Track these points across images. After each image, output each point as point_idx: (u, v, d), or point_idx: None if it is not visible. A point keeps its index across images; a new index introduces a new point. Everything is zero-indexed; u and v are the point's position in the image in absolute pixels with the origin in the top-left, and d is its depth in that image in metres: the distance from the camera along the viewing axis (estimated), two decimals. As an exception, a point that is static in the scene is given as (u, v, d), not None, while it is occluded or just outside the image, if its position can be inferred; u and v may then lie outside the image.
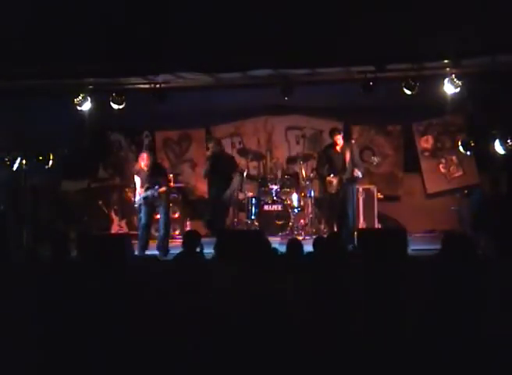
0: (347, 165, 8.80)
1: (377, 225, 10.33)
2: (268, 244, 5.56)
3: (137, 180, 8.77)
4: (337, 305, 3.86)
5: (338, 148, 8.91)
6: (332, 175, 8.85)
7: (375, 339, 3.58)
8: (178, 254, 5.62)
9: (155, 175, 8.70)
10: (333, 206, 8.99)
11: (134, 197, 8.96)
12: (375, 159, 9.27)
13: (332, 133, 9.07)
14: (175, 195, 10.41)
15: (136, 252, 8.21)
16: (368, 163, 9.17)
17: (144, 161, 8.71)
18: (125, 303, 3.94)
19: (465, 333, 3.58)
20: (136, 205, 8.86)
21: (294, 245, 5.09)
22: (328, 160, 9.00)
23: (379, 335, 3.59)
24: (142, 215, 8.77)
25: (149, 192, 8.56)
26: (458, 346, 3.49)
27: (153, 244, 8.86)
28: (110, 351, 3.64)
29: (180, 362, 3.58)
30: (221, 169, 10.03)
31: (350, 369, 3.49)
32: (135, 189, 8.90)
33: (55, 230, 9.86)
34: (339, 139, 8.90)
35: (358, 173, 8.83)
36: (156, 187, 8.55)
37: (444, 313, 3.69)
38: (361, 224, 10.41)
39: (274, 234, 9.56)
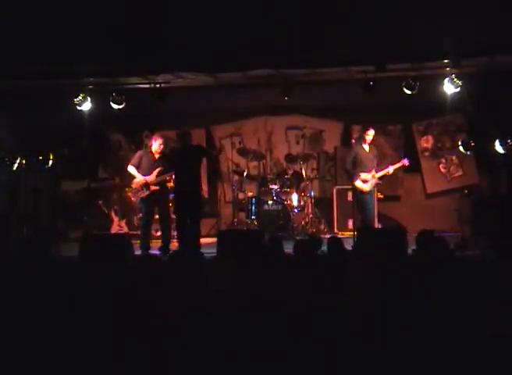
0: (376, 164, 8.83)
1: (377, 225, 10.34)
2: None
3: (133, 168, 8.58)
4: (337, 305, 3.86)
5: (367, 146, 8.86)
6: (364, 173, 8.74)
7: (374, 339, 3.58)
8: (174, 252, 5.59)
9: (163, 161, 8.65)
10: (368, 205, 8.83)
11: (137, 187, 8.59)
12: (406, 161, 9.21)
13: (364, 128, 9.01)
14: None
15: (137, 252, 8.20)
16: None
17: (161, 145, 8.59)
18: (125, 303, 3.94)
19: (464, 333, 3.58)
20: (142, 195, 8.52)
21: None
22: (355, 158, 8.85)
23: (379, 335, 3.60)
24: (145, 209, 8.64)
25: (159, 178, 8.51)
26: (457, 346, 3.49)
27: (154, 244, 8.85)
28: (109, 351, 3.64)
29: (180, 362, 3.58)
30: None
31: (349, 369, 3.49)
32: (132, 182, 8.72)
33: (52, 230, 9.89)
34: (371, 134, 8.82)
35: (391, 170, 8.87)
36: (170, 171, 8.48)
37: (443, 313, 3.70)
38: (361, 224, 10.44)
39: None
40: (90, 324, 3.76)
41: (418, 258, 4.50)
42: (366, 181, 8.74)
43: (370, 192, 8.80)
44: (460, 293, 3.81)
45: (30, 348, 3.67)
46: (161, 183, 8.61)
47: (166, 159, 8.66)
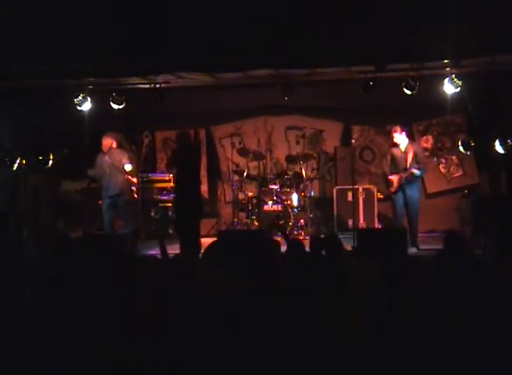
0: (409, 164, 8.69)
1: (377, 225, 10.35)
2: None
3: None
4: (336, 305, 3.86)
5: (401, 146, 8.77)
6: (392, 174, 8.71)
7: (374, 339, 3.58)
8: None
9: None
10: (395, 205, 8.75)
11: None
12: (435, 159, 9.18)
13: (391, 131, 9.00)
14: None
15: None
16: (429, 163, 9.19)
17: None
18: (124, 302, 3.94)
19: (465, 333, 3.58)
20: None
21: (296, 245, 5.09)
22: (392, 161, 8.83)
23: (379, 335, 3.60)
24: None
25: None
26: (458, 346, 3.49)
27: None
28: (109, 350, 3.64)
29: (179, 362, 3.58)
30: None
31: (348, 369, 3.49)
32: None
33: (56, 231, 9.89)
34: (397, 137, 8.75)
35: (415, 172, 8.63)
36: None
37: (444, 313, 3.69)
38: (361, 224, 10.44)
39: (274, 234, 9.55)
40: (90, 323, 3.76)
41: (446, 258, 4.46)
42: (391, 182, 8.71)
43: (398, 193, 8.65)
44: (477, 293, 3.80)
45: (28, 347, 3.68)
46: None
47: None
